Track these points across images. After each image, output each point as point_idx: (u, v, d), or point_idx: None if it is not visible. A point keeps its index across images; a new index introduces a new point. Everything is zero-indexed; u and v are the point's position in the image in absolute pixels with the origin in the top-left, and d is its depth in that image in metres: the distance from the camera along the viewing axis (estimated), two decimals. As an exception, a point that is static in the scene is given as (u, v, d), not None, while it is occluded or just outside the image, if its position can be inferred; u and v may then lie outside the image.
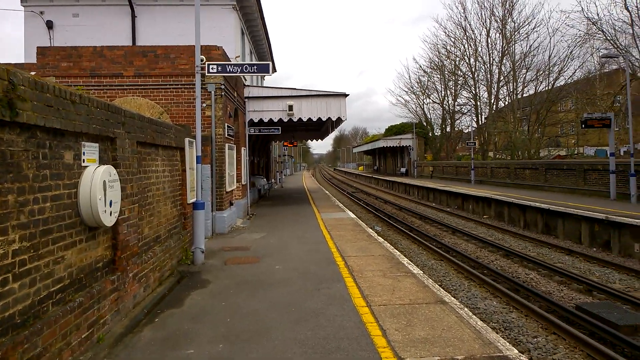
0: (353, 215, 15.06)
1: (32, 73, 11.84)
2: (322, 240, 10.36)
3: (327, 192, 29.73)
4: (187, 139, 8.88)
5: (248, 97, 16.51)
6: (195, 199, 8.53)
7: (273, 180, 37.34)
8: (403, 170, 49.20)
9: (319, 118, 17.13)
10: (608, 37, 23.43)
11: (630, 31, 22.18)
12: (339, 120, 18.38)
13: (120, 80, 11.45)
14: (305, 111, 16.97)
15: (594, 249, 13.43)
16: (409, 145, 46.95)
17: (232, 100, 13.42)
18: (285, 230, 12.35)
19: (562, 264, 11.77)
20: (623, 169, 16.73)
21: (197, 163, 8.41)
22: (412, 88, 48.87)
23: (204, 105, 11.66)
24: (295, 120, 16.93)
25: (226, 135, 12.27)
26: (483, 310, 8.44)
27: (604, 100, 26.89)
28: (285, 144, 35.51)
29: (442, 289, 6.08)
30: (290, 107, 16.71)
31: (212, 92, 11.61)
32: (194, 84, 11.40)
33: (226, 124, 12.28)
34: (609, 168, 16.63)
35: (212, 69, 8.16)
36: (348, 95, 17.22)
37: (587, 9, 33.72)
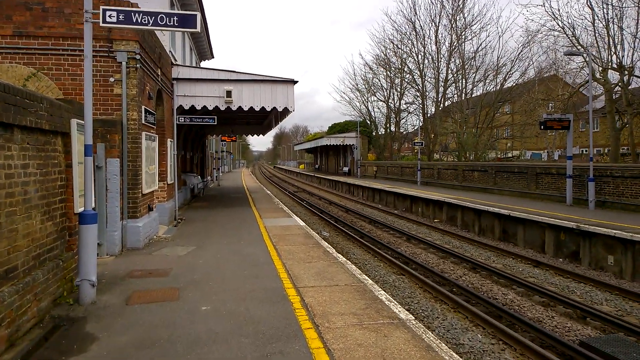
0: (302, 223, 12.84)
1: None
2: (266, 260, 8.04)
3: (268, 191, 27.28)
4: (74, 121, 6.21)
5: (177, 79, 13.75)
6: (84, 207, 5.89)
7: (209, 178, 34.23)
8: (346, 169, 47.78)
9: (263, 108, 14.75)
10: (569, 35, 23.06)
11: (592, 29, 21.87)
12: (286, 112, 16.09)
13: (-10, 40, 8.38)
14: (247, 99, 14.51)
15: (560, 259, 12.27)
16: (353, 144, 45.54)
17: (153, 78, 10.68)
18: (219, 243, 9.87)
19: (534, 278, 10.38)
20: (579, 173, 15.95)
21: (86, 155, 5.79)
22: (357, 85, 47.44)
23: (112, 79, 8.90)
24: (234, 108, 14.41)
25: (143, 122, 9.56)
26: (469, 349, 6.64)
27: (557, 102, 26.76)
28: (223, 138, 32.49)
29: (454, 355, 4.02)
30: (229, 93, 14.19)
31: (123, 62, 8.86)
32: (98, 50, 8.64)
33: (143, 107, 9.56)
34: (566, 172, 15.76)
35: (109, 17, 5.57)
36: (297, 82, 14.97)
37: (548, 4, 34.01)
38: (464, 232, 16.64)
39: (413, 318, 4.79)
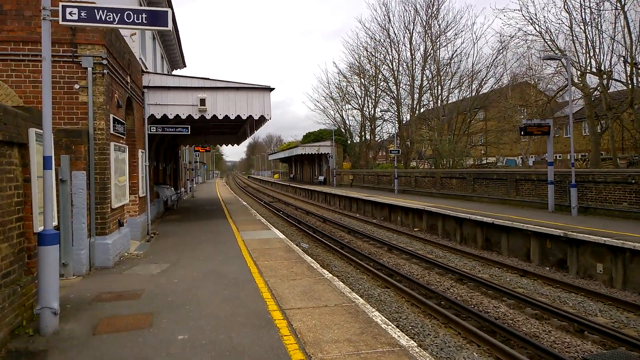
0: (282, 236, 12.36)
1: None
2: (247, 278, 7.54)
3: (244, 202, 26.63)
4: (33, 130, 5.63)
5: (148, 87, 13.14)
6: (43, 226, 5.29)
7: (183, 189, 33.27)
8: (321, 178, 47.50)
9: (238, 116, 14.27)
10: (546, 39, 23.44)
11: (569, 33, 22.28)
12: (262, 120, 15.66)
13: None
14: (222, 107, 14.01)
15: (547, 268, 12.20)
16: (328, 153, 45.35)
17: (122, 86, 10.08)
18: (195, 259, 9.31)
19: (523, 289, 10.22)
20: (560, 179, 16.09)
21: (45, 169, 5.21)
22: (331, 94, 47.41)
23: (77, 87, 8.29)
24: (208, 117, 13.88)
25: (112, 131, 8.95)
26: (467, 370, 6.33)
27: (531, 108, 27.17)
28: (197, 148, 31.76)
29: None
30: (203, 102, 13.66)
31: (89, 68, 8.27)
32: (61, 55, 8.04)
33: (112, 116, 8.96)
34: (547, 178, 15.86)
35: (70, 14, 5.04)
36: (273, 89, 14.58)
37: (525, 8, 34.41)
38: (445, 241, 16.50)
39: (415, 345, 4.40)
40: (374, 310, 5.63)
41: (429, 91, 35.50)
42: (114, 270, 8.41)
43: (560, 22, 50.35)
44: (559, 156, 35.52)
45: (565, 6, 23.08)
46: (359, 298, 6.23)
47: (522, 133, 15.92)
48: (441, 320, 8.20)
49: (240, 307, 5.95)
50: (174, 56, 23.52)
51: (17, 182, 5.45)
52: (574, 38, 22.84)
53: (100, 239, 8.51)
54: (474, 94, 32.25)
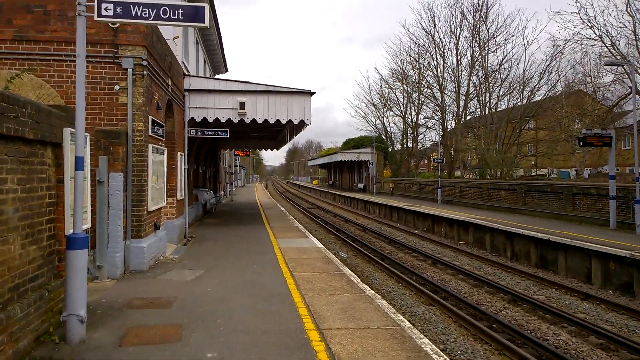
0: (320, 245, 11.87)
1: None
2: (282, 290, 7.10)
3: (282, 208, 26.41)
4: (68, 130, 5.44)
5: (189, 90, 13.07)
6: (73, 229, 5.06)
7: (222, 192, 33.57)
8: (361, 185, 46.79)
9: (278, 120, 13.97)
10: (607, 44, 21.94)
11: (632, 37, 20.73)
12: (302, 125, 15.32)
13: (-12, 44, 7.74)
14: (261, 111, 13.75)
15: (610, 291, 11.05)
16: (368, 160, 44.62)
17: (162, 88, 9.97)
18: (230, 267, 8.98)
19: (585, 314, 9.23)
20: (623, 194, 14.74)
21: (77, 169, 4.98)
22: (372, 100, 46.69)
23: (117, 87, 8.18)
24: (248, 121, 13.65)
25: (150, 133, 8.80)
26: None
27: (587, 117, 25.49)
28: (237, 152, 31.97)
29: None
30: (242, 105, 13.45)
31: (129, 69, 8.14)
32: (102, 56, 7.94)
33: (151, 117, 8.82)
34: (609, 193, 14.56)
35: (105, 10, 4.82)
36: (314, 93, 14.19)
37: (583, 11, 32.51)
38: (494, 257, 15.47)
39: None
40: (422, 336, 5.01)
41: (476, 98, 34.14)
42: (148, 275, 8.20)
43: (622, 25, 47.41)
44: (617, 169, 33.21)
45: (628, 9, 21.49)
46: (405, 321, 5.62)
47: (581, 144, 14.72)
48: (494, 345, 7.44)
49: (274, 323, 5.49)
50: (216, 61, 23.71)
51: (49, 182, 5.25)
52: (638, 43, 21.18)
53: (136, 242, 8.34)
54: (524, 101, 30.65)
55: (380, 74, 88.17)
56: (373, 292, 7.11)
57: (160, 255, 9.76)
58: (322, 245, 11.85)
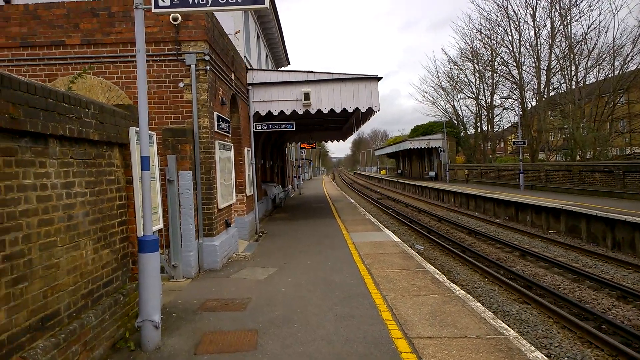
0: (396, 238, 11.18)
1: None
2: (361, 290, 6.56)
3: (351, 200, 25.90)
4: (133, 129, 5.26)
5: (252, 84, 12.89)
6: (143, 232, 4.86)
7: (290, 186, 33.76)
8: (432, 173, 45.00)
9: (344, 109, 13.41)
10: None
11: None
12: (370, 112, 14.63)
13: (62, 51, 7.94)
14: (326, 100, 13.26)
15: None
16: (439, 147, 42.73)
17: (226, 83, 9.78)
18: (303, 264, 8.60)
19: None
20: None
21: (143, 170, 4.76)
22: (441, 83, 44.54)
23: (182, 85, 8.05)
24: (313, 112, 13.23)
25: (216, 129, 8.62)
26: None
27: None
28: (303, 145, 31.90)
29: None
30: (307, 96, 13.04)
31: (192, 65, 7.97)
32: (166, 54, 7.82)
33: (216, 113, 8.63)
34: None
35: (162, 0, 4.51)
36: (381, 78, 13.44)
37: None
38: (592, 247, 13.82)
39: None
40: (533, 349, 4.22)
41: (560, 72, 31.11)
42: (222, 274, 8.04)
43: None
44: None
45: None
46: (508, 328, 4.84)
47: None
48: (607, 351, 6.38)
49: (356, 330, 4.97)
50: (277, 54, 23.58)
51: (118, 184, 5.11)
52: None
53: (208, 240, 8.22)
54: (617, 72, 27.39)
55: (448, 55, 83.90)
56: (464, 292, 6.34)
57: (232, 253, 9.64)
58: (399, 239, 11.15)
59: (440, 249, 14.19)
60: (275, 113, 13.18)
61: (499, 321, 5.08)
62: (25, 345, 3.26)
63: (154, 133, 6.00)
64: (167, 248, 7.66)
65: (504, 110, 38.86)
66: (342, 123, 22.31)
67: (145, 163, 4.78)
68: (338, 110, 13.41)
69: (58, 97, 3.88)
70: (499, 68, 35.76)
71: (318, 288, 6.80)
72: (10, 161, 3.29)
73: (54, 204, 3.80)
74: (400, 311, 5.50)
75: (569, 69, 30.32)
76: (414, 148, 45.51)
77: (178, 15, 7.76)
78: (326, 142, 33.85)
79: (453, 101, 43.33)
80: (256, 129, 13.20)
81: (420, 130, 48.69)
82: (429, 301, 5.87)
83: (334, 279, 7.32)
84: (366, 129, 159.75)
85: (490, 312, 5.50)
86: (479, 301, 8.51)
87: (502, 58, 35.20)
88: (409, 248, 9.94)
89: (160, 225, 6.03)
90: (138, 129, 5.40)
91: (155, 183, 5.95)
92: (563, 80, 31.24)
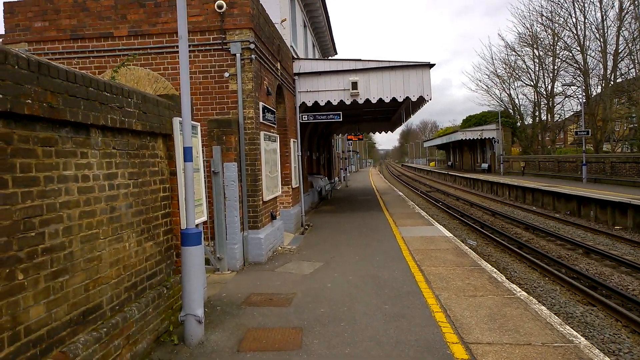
0: (448, 233, 10.64)
1: None
2: (412, 288, 6.18)
3: (399, 192, 25.28)
4: (177, 120, 5.15)
5: (298, 74, 12.66)
6: (185, 224, 4.74)
7: (337, 178, 33.52)
8: (485, 165, 43.16)
9: (394, 99, 12.91)
10: None
11: None
12: (420, 102, 14.04)
13: (110, 42, 8.04)
14: (375, 89, 12.81)
15: None
16: (493, 137, 40.83)
17: (272, 72, 9.60)
18: (350, 259, 8.32)
19: None
20: None
21: (186, 161, 4.63)
22: (496, 71, 42.51)
23: (227, 75, 7.94)
24: (361, 102, 12.83)
25: (261, 120, 8.46)
26: None
27: None
28: (350, 137, 31.47)
29: None
30: (354, 85, 12.66)
31: (237, 54, 7.83)
32: (211, 43, 7.72)
33: (261, 104, 8.47)
34: None
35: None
36: (433, 65, 12.80)
37: None
38: (666, 244, 12.58)
39: None
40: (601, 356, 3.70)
41: (628, 56, 28.67)
42: (267, 267, 7.91)
43: None
44: None
45: None
46: (578, 335, 4.32)
47: None
48: None
49: (406, 331, 4.63)
50: (324, 44, 23.26)
51: (162, 175, 5.03)
52: None
53: (253, 233, 8.11)
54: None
55: (505, 40, 79.50)
56: (526, 293, 5.80)
57: (278, 246, 9.51)
58: (451, 234, 10.59)
59: (495, 245, 13.45)
60: (322, 103, 12.90)
61: (567, 327, 4.55)
62: (66, 339, 3.20)
63: (198, 124, 5.89)
64: (213, 240, 7.62)
65: (566, 98, 36.45)
66: (390, 113, 21.71)
67: (187, 154, 4.64)
68: (387, 100, 12.93)
69: (99, 86, 3.79)
70: (561, 53, 33.52)
71: (366, 285, 6.49)
72: (50, 151, 3.22)
73: (96, 195, 3.73)
74: (455, 313, 5.09)
75: (638, 53, 27.85)
76: (465, 139, 43.83)
77: (223, 2, 7.62)
78: (373, 133, 33.23)
79: (509, 89, 41.25)
80: (302, 119, 12.99)
81: (472, 121, 46.80)
82: (486, 302, 5.40)
83: (382, 275, 6.98)
84: (415, 120, 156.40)
85: (556, 317, 4.97)
86: (540, 302, 7.90)
87: (565, 42, 32.94)
88: (462, 244, 9.39)
89: (205, 218, 5.94)
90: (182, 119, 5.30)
91: (199, 174, 5.85)
92: (632, 65, 28.75)
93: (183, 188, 4.96)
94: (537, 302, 5.44)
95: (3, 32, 8.19)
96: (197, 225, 5.46)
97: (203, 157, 7.83)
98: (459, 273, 6.85)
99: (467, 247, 8.97)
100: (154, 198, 4.81)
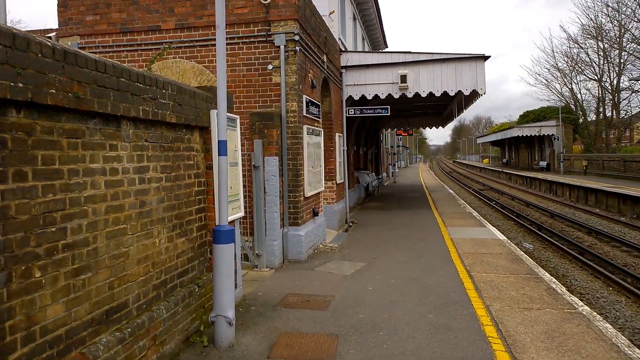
0: (501, 236, 9.94)
1: (52, 34, 9.14)
2: (459, 297, 5.71)
3: (450, 190, 24.32)
4: (214, 112, 4.98)
5: (346, 67, 12.30)
6: (218, 221, 4.56)
7: (384, 174, 32.87)
8: (543, 164, 40.79)
9: (445, 93, 12.25)
10: None
11: None
12: (473, 96, 13.28)
13: (157, 36, 8.06)
14: (425, 83, 12.22)
15: None
16: (552, 134, 38.48)
17: (317, 65, 9.31)
18: (394, 261, 7.91)
19: None
20: None
21: (220, 155, 4.44)
22: (557, 64, 39.86)
23: (270, 67, 7.73)
24: (410, 95, 12.28)
25: (305, 113, 8.20)
26: None
27: None
28: (399, 132, 30.66)
29: None
30: (403, 78, 12.12)
31: (282, 46, 7.59)
32: (255, 35, 7.54)
33: (305, 97, 8.20)
34: None
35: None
36: (489, 57, 12.01)
37: None
38: None
39: None
40: None
41: None
42: (306, 266, 7.67)
43: None
44: None
45: None
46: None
47: None
48: None
49: (452, 346, 4.20)
50: (375, 37, 22.67)
51: (197, 169, 4.88)
52: None
53: (293, 229, 7.89)
54: None
55: (567, 32, 75.02)
56: (589, 309, 5.17)
57: (319, 243, 9.26)
58: (504, 237, 9.88)
59: (553, 250, 12.50)
60: (370, 97, 12.47)
61: (636, 350, 3.94)
62: (87, 340, 3.08)
63: (237, 116, 5.71)
64: (252, 235, 7.47)
65: (633, 94, 33.60)
66: (441, 108, 20.84)
67: (222, 147, 4.45)
68: (438, 94, 12.30)
69: (132, 76, 3.65)
70: (628, 46, 30.90)
71: (410, 290, 6.08)
72: (76, 143, 3.09)
73: (125, 189, 3.60)
74: (507, 327, 4.59)
75: None
76: (522, 135, 41.59)
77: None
78: (424, 128, 32.18)
79: (571, 84, 38.63)
80: (349, 114, 12.63)
81: (530, 117, 44.33)
82: (544, 317, 4.84)
83: (428, 280, 6.53)
84: (468, 115, 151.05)
85: (623, 337, 4.35)
86: (603, 314, 7.14)
87: (632, 34, 30.30)
88: (517, 248, 8.70)
89: (242, 214, 5.76)
90: (228, 115, 5.14)
91: (237, 169, 5.68)
92: None
93: (217, 183, 4.78)
94: (601, 319, 4.82)
95: (57, 27, 8.42)
96: (232, 222, 5.29)
97: (244, 151, 7.69)
98: (512, 281, 6.27)
99: (522, 252, 8.29)
100: (188, 192, 4.66)
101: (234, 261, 5.66)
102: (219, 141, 4.46)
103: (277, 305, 5.63)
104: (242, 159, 7.63)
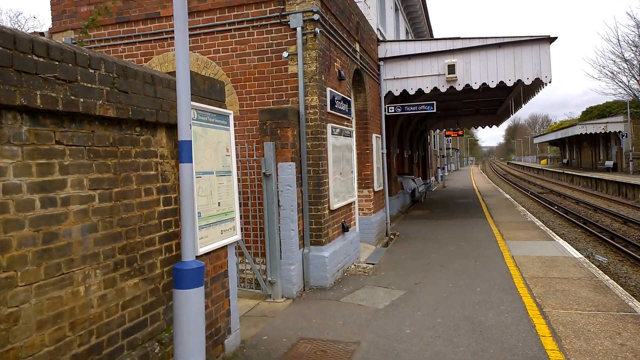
0: (574, 253, 8.02)
1: (45, 30, 8.30)
2: (532, 351, 4.05)
3: (505, 194, 22.01)
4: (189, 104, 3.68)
5: (384, 58, 10.79)
6: (181, 256, 3.25)
7: (432, 178, 30.79)
8: (609, 163, 36.96)
9: (501, 83, 10.48)
10: None
11: None
12: (536, 86, 11.39)
13: (156, 24, 6.98)
14: (477, 73, 10.50)
15: None
16: (620, 131, 34.74)
17: (346, 53, 7.89)
18: (440, 289, 6.32)
19: None
20: None
21: (183, 162, 3.15)
22: (623, 54, 35.99)
23: (286, 55, 6.40)
24: (459, 88, 10.59)
25: (329, 110, 6.80)
26: None
27: None
28: (448, 133, 28.58)
29: None
30: (452, 68, 10.47)
31: (298, 28, 6.24)
32: (267, 17, 6.29)
33: (329, 89, 6.80)
34: None
35: None
36: (555, 39, 10.11)
37: None
38: None
39: None
40: None
41: None
42: (331, 294, 6.25)
43: None
44: None
45: None
46: None
47: None
48: None
49: None
50: (419, 29, 20.94)
51: (164, 181, 3.65)
52: None
53: (315, 250, 6.49)
54: None
55: (636, 19, 68.48)
56: None
57: (351, 263, 7.80)
58: (581, 255, 7.96)
59: (631, 262, 10.39)
60: (412, 92, 10.89)
61: None
62: None
63: (230, 112, 4.42)
64: (264, 258, 6.16)
65: None
66: (496, 104, 18.76)
67: (184, 150, 3.16)
68: (492, 85, 10.53)
69: (19, 44, 2.42)
70: None
71: (461, 337, 4.50)
72: None
73: (10, 217, 2.36)
74: None
75: None
76: (585, 133, 37.92)
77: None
78: (475, 128, 29.86)
79: (639, 75, 34.70)
80: (388, 112, 11.13)
81: (594, 113, 40.46)
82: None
83: (486, 320, 4.91)
84: (523, 114, 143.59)
85: None
86: None
87: None
88: (599, 270, 6.81)
89: (237, 237, 4.44)
90: (198, 104, 3.89)
91: (231, 178, 4.38)
92: None
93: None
94: None
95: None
96: (222, 249, 4.02)
97: (255, 156, 6.44)
98: (602, 322, 4.52)
99: (607, 277, 6.40)
100: (147, 214, 3.39)
101: (226, 299, 4.37)
102: (179, 142, 3.17)
103: (283, 357, 4.26)
104: (251, 165, 6.38)
